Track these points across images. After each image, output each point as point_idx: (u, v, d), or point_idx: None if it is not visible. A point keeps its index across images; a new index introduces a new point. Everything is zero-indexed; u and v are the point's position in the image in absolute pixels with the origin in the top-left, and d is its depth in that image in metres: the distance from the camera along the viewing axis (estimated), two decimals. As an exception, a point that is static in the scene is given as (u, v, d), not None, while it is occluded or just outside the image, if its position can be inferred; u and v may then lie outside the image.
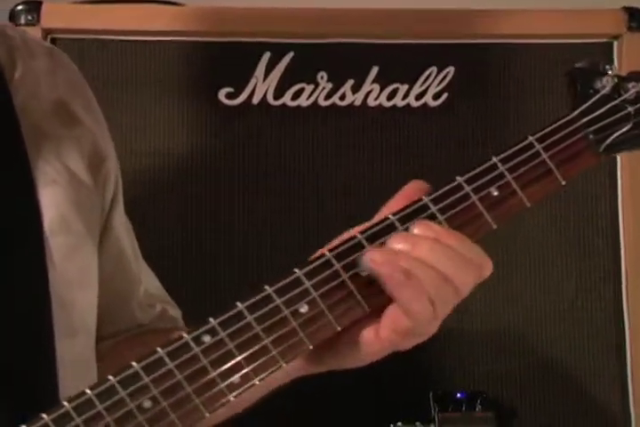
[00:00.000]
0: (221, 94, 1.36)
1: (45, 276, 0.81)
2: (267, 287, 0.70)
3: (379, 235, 0.73)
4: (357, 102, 1.37)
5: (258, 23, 1.36)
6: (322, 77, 1.37)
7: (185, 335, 0.69)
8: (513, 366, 1.35)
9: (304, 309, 0.71)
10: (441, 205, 0.74)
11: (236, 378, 0.69)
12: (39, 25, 1.31)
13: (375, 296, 0.72)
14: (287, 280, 0.71)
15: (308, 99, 1.37)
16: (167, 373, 0.68)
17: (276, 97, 1.37)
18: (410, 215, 0.74)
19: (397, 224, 0.74)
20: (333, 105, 1.37)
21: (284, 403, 1.07)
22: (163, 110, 1.37)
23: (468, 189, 0.74)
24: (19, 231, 0.81)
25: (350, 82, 1.37)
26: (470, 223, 0.75)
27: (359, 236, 0.73)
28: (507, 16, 1.39)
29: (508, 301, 1.34)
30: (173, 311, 1.04)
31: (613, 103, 0.79)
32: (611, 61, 1.37)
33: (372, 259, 0.70)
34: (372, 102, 1.38)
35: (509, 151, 0.76)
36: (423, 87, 1.38)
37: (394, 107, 1.38)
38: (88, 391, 0.67)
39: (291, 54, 1.37)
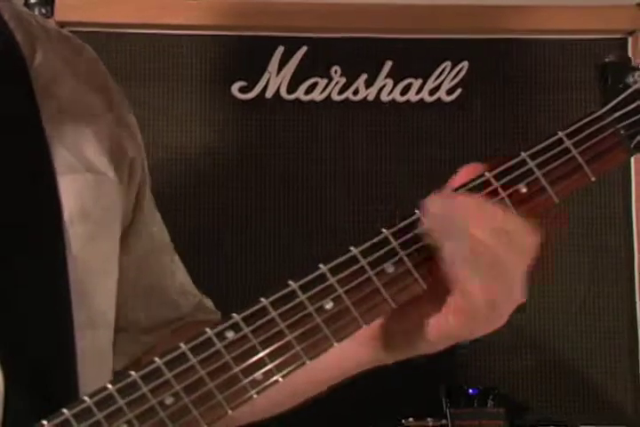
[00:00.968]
0: (235, 88, 1.37)
1: (65, 265, 0.82)
2: (291, 283, 0.69)
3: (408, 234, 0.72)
4: (371, 97, 1.38)
5: (271, 17, 1.36)
6: (335, 72, 1.37)
7: (208, 330, 0.68)
8: (525, 364, 1.35)
9: (329, 305, 0.71)
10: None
11: (258, 375, 0.69)
12: (53, 18, 1.31)
13: (401, 292, 0.71)
14: (312, 276, 0.70)
15: (321, 93, 1.38)
16: (189, 368, 0.68)
17: (290, 91, 1.37)
18: None
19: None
20: (347, 99, 1.38)
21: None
22: (176, 103, 1.37)
23: (496, 184, 0.73)
24: (38, 220, 0.82)
25: (364, 76, 1.37)
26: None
27: (385, 231, 0.71)
28: (521, 12, 1.39)
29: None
30: (209, 303, 1.04)
31: None
32: (626, 57, 1.37)
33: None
34: (385, 97, 1.38)
35: (538, 146, 0.75)
36: (437, 82, 1.38)
37: (407, 102, 1.38)
38: (109, 386, 0.66)
39: (304, 49, 1.37)
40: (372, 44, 1.38)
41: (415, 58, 1.38)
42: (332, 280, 0.70)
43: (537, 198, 0.74)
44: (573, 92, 1.37)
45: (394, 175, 1.38)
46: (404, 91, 1.38)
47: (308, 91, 1.37)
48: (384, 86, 1.38)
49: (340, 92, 1.38)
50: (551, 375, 1.35)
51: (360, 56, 1.38)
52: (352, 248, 0.70)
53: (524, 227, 0.69)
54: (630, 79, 0.79)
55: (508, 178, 0.73)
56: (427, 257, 0.71)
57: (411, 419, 1.27)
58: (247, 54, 1.37)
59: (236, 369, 0.68)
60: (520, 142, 1.37)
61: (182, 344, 0.67)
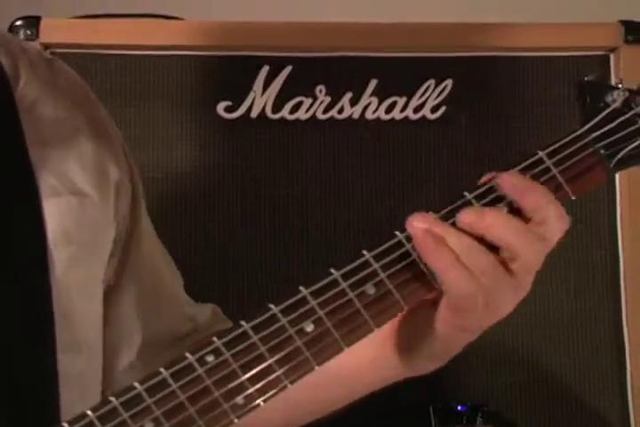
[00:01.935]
0: (220, 108, 1.37)
1: (49, 288, 0.81)
2: (272, 306, 0.69)
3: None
4: (356, 115, 1.38)
5: (256, 37, 1.37)
6: (320, 91, 1.38)
7: (189, 355, 0.68)
8: (514, 380, 1.35)
9: (310, 327, 0.70)
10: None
11: (239, 399, 0.69)
12: (38, 40, 1.32)
13: (382, 314, 0.71)
14: (293, 299, 0.70)
15: (306, 112, 1.38)
16: (170, 394, 0.67)
17: (275, 110, 1.37)
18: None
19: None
20: (332, 118, 1.38)
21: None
22: (162, 124, 1.37)
23: (477, 205, 0.73)
24: (22, 243, 0.81)
25: (348, 95, 1.38)
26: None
27: (367, 254, 0.72)
28: (504, 29, 1.40)
29: (508, 315, 1.35)
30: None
31: (624, 117, 0.78)
32: (608, 74, 1.38)
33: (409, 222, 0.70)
34: (370, 115, 1.38)
35: (518, 167, 0.75)
36: (421, 100, 1.38)
37: (392, 120, 1.38)
38: (89, 413, 0.66)
39: (289, 68, 1.37)
40: (357, 62, 1.38)
41: (399, 76, 1.39)
42: (312, 303, 0.70)
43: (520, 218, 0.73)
44: (556, 109, 1.38)
45: (380, 192, 1.38)
46: (389, 109, 1.38)
47: (293, 110, 1.37)
48: (369, 104, 1.38)
49: (325, 111, 1.38)
50: (538, 392, 1.35)
51: (345, 75, 1.38)
52: (333, 270, 0.70)
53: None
54: (609, 98, 0.79)
55: (489, 199, 0.73)
56: (408, 278, 0.71)
57: (400, 437, 1.27)
58: (232, 74, 1.37)
59: (217, 394, 0.68)
60: (505, 159, 1.37)
61: (163, 369, 0.67)
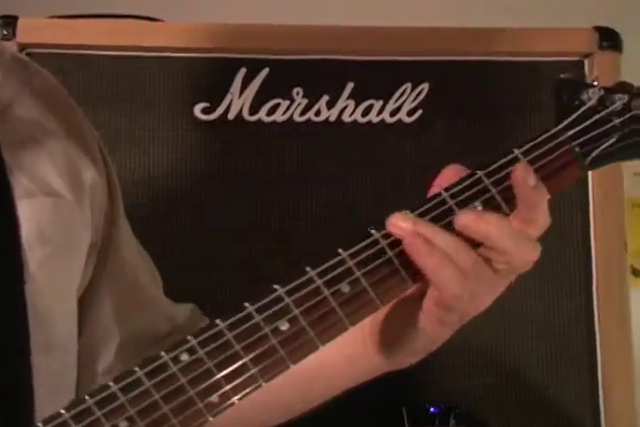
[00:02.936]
0: (197, 109, 1.37)
1: (22, 288, 0.81)
2: (247, 305, 0.70)
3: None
4: (332, 118, 1.38)
5: (234, 39, 1.37)
6: (297, 93, 1.38)
7: (163, 354, 0.68)
8: (486, 381, 1.36)
9: (285, 326, 0.70)
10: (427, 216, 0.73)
11: (214, 397, 0.69)
12: (15, 40, 1.31)
13: (357, 312, 0.71)
14: (268, 298, 0.70)
15: (283, 114, 1.38)
16: (144, 392, 0.67)
17: (252, 112, 1.37)
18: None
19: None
20: (309, 121, 1.38)
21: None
22: (139, 125, 1.37)
23: (451, 202, 0.74)
24: None
25: (325, 98, 1.38)
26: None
27: (342, 252, 0.72)
28: (479, 34, 1.40)
29: (480, 316, 1.36)
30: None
31: (599, 115, 0.78)
32: (581, 74, 1.39)
33: (393, 223, 0.71)
34: (347, 118, 1.39)
35: (495, 165, 0.76)
36: (398, 103, 1.39)
37: (369, 123, 1.39)
38: (63, 412, 0.66)
39: (266, 70, 1.37)
40: (334, 65, 1.39)
41: (376, 79, 1.39)
42: (287, 301, 0.70)
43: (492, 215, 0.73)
44: (531, 113, 1.39)
45: (356, 195, 1.39)
46: (366, 112, 1.39)
47: (270, 112, 1.38)
48: (345, 107, 1.38)
49: (302, 114, 1.38)
50: (510, 393, 1.36)
51: (322, 78, 1.39)
52: (308, 268, 0.71)
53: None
54: (585, 96, 0.79)
55: (465, 196, 0.74)
56: (383, 276, 0.71)
57: (373, 439, 1.27)
58: (210, 76, 1.37)
59: (192, 392, 0.68)
60: (480, 162, 1.38)
61: (137, 368, 0.67)
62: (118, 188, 0.97)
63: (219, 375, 0.68)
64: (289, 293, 0.71)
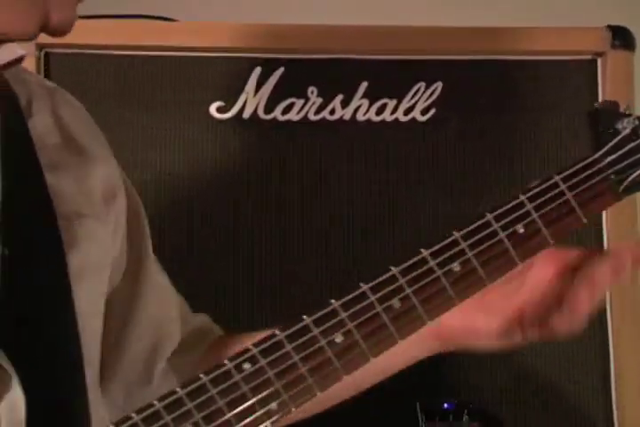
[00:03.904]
0: (213, 108, 1.39)
1: (73, 306, 0.84)
2: (305, 317, 0.74)
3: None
4: (347, 117, 1.40)
5: (249, 39, 1.38)
6: (312, 92, 1.39)
7: (227, 362, 0.72)
8: (500, 377, 1.37)
9: (339, 339, 0.74)
10: (470, 241, 0.77)
11: (273, 405, 0.73)
12: (34, 40, 1.33)
13: (406, 327, 0.76)
14: (324, 311, 0.74)
15: (298, 113, 1.39)
16: (209, 399, 0.71)
17: (267, 111, 1.39)
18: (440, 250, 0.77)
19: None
20: (323, 119, 1.40)
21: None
22: (155, 124, 1.39)
23: (496, 226, 0.77)
24: (53, 273, 0.83)
25: (340, 97, 1.40)
26: (497, 259, 0.78)
27: (394, 269, 0.76)
28: (493, 33, 1.41)
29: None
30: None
31: (634, 144, 0.80)
32: (595, 78, 1.41)
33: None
34: (361, 117, 1.40)
35: (535, 190, 0.78)
36: (411, 102, 1.40)
37: (383, 121, 1.40)
38: (134, 415, 0.70)
39: (281, 69, 1.39)
40: (348, 64, 1.40)
41: (390, 79, 1.41)
42: (342, 315, 0.75)
43: (533, 239, 0.78)
44: (543, 112, 1.40)
45: (372, 193, 1.40)
46: (380, 111, 1.40)
47: (285, 111, 1.39)
48: (360, 106, 1.40)
49: (317, 113, 1.40)
50: (524, 390, 1.36)
51: (336, 77, 1.40)
52: (362, 284, 0.75)
53: None
54: (620, 125, 0.82)
55: (508, 219, 0.77)
56: (432, 293, 0.76)
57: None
58: (225, 75, 1.39)
59: (254, 400, 0.73)
60: (493, 160, 1.40)
61: (203, 375, 0.72)
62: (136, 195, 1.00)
63: (278, 385, 0.72)
64: (343, 306, 0.75)
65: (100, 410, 0.89)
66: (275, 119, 1.39)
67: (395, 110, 1.40)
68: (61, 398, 0.79)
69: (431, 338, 0.90)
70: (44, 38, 1.33)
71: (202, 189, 1.38)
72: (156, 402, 0.71)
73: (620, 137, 0.81)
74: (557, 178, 0.79)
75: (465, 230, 0.77)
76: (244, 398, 0.72)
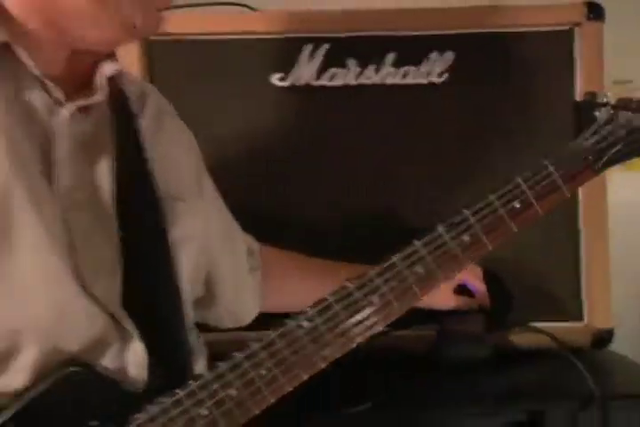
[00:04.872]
0: (274, 78, 1.52)
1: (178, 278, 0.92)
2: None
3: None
4: (379, 81, 1.53)
5: (301, 23, 1.51)
6: (351, 63, 1.53)
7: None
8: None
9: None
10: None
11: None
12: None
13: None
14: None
15: (340, 80, 1.53)
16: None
17: (317, 79, 1.52)
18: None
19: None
20: (360, 84, 1.53)
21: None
22: (230, 95, 1.51)
23: (497, 203, 0.87)
24: (159, 244, 0.91)
25: (373, 66, 1.53)
26: (498, 228, 0.87)
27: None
28: (494, 10, 1.54)
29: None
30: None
31: (608, 129, 0.86)
32: (572, 46, 1.52)
33: None
34: (389, 81, 1.53)
35: (529, 173, 0.87)
36: (429, 68, 1.53)
37: (407, 84, 1.53)
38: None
39: (326, 46, 1.52)
40: (378, 40, 1.53)
41: (411, 49, 1.53)
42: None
43: (527, 212, 0.87)
44: (532, 77, 1.53)
45: (402, 144, 1.53)
46: (404, 75, 1.54)
47: (330, 78, 1.53)
48: (389, 73, 1.53)
49: (355, 79, 1.53)
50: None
51: (369, 50, 1.52)
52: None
53: None
54: (598, 113, 0.88)
55: (507, 198, 0.87)
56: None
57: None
58: (283, 51, 1.52)
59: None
60: (505, 113, 1.53)
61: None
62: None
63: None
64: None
65: (197, 351, 0.97)
66: (323, 85, 1.52)
67: (416, 75, 1.52)
68: (169, 346, 0.87)
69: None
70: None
71: (267, 148, 1.50)
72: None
73: (596, 124, 0.86)
74: (547, 162, 0.86)
75: (474, 208, 0.84)
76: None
